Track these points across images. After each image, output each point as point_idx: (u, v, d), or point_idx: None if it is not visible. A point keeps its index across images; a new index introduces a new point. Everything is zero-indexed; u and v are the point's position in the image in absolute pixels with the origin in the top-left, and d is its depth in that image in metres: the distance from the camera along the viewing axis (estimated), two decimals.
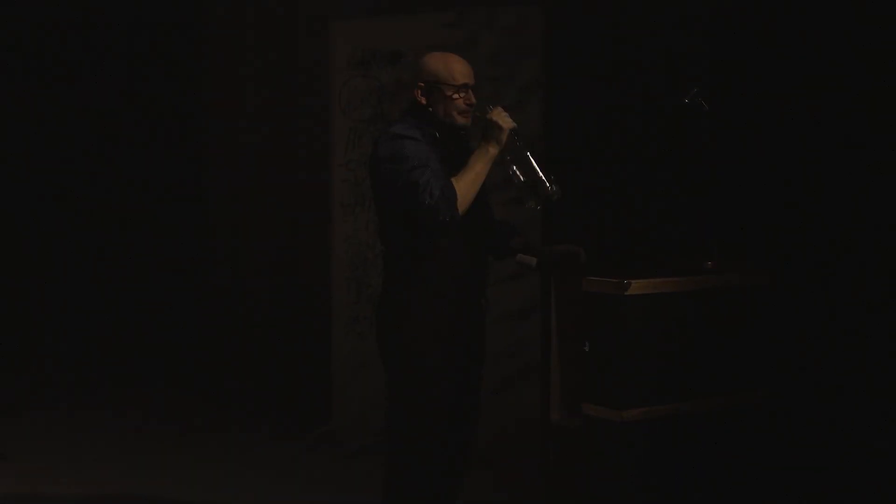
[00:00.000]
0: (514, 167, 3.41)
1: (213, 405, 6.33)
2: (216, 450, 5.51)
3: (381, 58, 5.44)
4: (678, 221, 4.67)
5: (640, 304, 3.30)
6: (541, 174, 3.40)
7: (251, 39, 6.53)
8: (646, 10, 4.94)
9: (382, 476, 3.53)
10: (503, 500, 4.67)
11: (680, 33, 4.80)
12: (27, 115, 6.86)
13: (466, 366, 3.51)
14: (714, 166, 4.22)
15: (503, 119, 3.36)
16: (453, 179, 3.31)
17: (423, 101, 3.46)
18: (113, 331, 7.02)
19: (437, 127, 3.46)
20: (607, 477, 3.40)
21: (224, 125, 6.75)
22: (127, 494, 4.80)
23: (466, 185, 3.31)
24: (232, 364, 6.67)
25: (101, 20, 6.96)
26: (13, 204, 6.85)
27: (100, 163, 7.06)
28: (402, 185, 3.30)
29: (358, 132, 5.49)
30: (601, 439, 3.38)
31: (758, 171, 4.54)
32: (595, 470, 3.44)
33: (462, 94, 3.43)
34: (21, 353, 6.72)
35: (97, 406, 6.34)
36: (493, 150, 3.35)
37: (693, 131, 3.96)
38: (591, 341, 3.38)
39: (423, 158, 3.31)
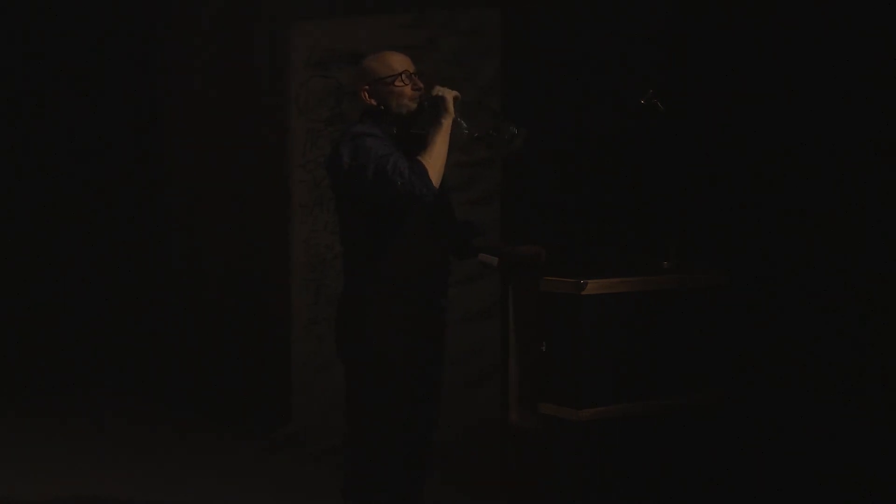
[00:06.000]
0: (475, 124, 3.43)
1: (172, 407, 6.29)
2: (176, 452, 5.47)
3: (340, 58, 5.42)
4: (635, 221, 4.70)
5: (596, 303, 3.32)
6: (501, 117, 3.45)
7: (209, 40, 6.50)
8: (603, 11, 4.97)
9: (342, 475, 3.53)
10: (463, 499, 4.68)
11: (637, 34, 4.83)
12: None
13: (426, 364, 3.51)
14: (670, 166, 4.25)
15: (445, 91, 3.38)
16: (418, 157, 3.31)
17: (373, 102, 3.48)
18: (68, 334, 6.96)
19: (395, 123, 3.47)
20: (565, 476, 3.42)
21: (181, 126, 6.71)
22: (86, 497, 4.76)
23: (432, 158, 3.31)
24: (191, 366, 6.63)
25: (59, 23, 6.90)
26: None
27: (55, 163, 6.99)
28: (371, 180, 3.29)
29: (316, 133, 5.48)
30: (559, 439, 3.39)
31: (714, 171, 4.57)
32: (553, 469, 3.45)
33: (406, 81, 3.46)
34: None
35: (51, 410, 6.28)
36: (445, 121, 3.36)
37: (650, 132, 3.98)
38: (549, 341, 3.40)
39: (386, 149, 3.33)
